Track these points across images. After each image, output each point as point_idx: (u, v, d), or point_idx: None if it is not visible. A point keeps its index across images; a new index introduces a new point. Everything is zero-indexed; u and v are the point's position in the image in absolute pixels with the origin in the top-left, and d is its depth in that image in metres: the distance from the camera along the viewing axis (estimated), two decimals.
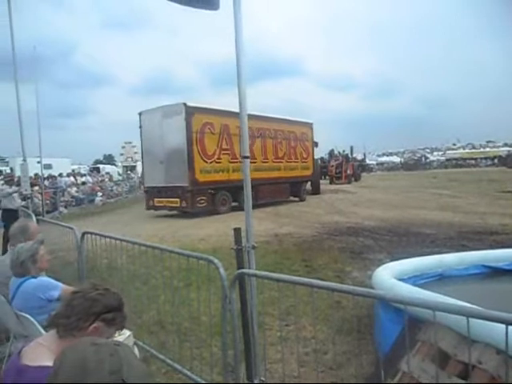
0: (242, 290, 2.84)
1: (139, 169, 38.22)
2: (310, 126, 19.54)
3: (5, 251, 5.08)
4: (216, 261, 2.92)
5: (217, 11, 2.92)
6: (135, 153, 41.39)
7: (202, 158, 13.48)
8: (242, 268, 2.80)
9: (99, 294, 1.61)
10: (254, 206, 12.25)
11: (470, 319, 1.72)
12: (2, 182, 9.99)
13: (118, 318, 1.62)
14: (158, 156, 13.76)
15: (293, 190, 18.36)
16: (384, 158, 59.80)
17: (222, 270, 2.84)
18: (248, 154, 2.95)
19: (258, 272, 2.79)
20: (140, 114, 14.33)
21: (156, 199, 14.03)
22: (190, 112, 13.14)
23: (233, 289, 2.78)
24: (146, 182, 14.83)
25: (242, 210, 11.66)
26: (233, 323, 2.80)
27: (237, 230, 2.86)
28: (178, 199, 13.28)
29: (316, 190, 20.85)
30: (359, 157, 45.08)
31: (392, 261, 4.58)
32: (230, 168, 14.50)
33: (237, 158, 14.23)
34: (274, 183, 16.67)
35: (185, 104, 13.08)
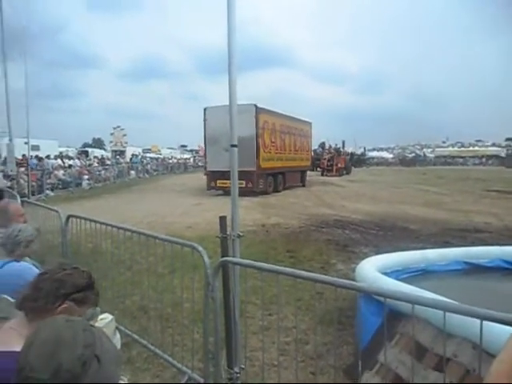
0: (225, 278, 2.85)
1: (128, 154, 38.05)
2: (310, 124, 24.15)
3: None
4: (200, 248, 2.92)
5: None
6: (124, 135, 41.18)
7: (263, 149, 16.94)
8: (226, 256, 2.80)
9: (67, 274, 1.56)
10: (283, 189, 17.05)
11: (447, 313, 1.75)
12: None
13: (89, 297, 1.59)
14: (223, 145, 15.73)
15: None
16: (374, 153, 59.97)
17: (206, 258, 2.85)
18: (236, 143, 2.93)
19: (241, 260, 2.79)
20: (205, 109, 16.97)
21: (219, 181, 16.65)
22: (258, 112, 16.34)
23: (216, 276, 2.78)
24: (208, 167, 17.36)
25: (278, 191, 15.59)
26: (215, 311, 2.81)
27: (222, 218, 2.86)
28: (243, 181, 15.48)
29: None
30: (358, 151, 46.50)
31: (376, 254, 4.63)
32: (274, 157, 18.26)
33: (278, 150, 18.63)
34: (294, 171, 20.94)
35: (255, 105, 16.18)
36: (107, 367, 0.96)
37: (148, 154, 41.50)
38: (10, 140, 8.65)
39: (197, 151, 49.58)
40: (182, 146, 54.23)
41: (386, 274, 3.73)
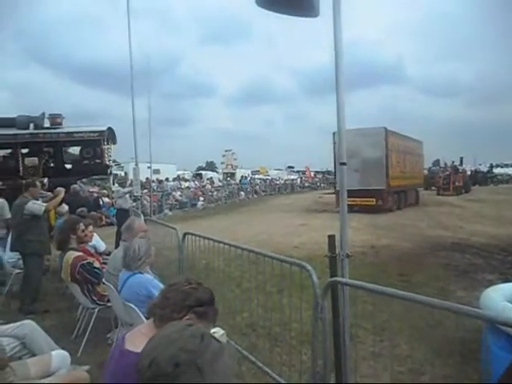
0: (334, 299, 2.78)
1: (238, 175, 39.81)
2: (421, 143, 24.56)
3: (117, 246, 5.61)
4: (309, 267, 2.90)
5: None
6: (234, 157, 43.34)
7: (391, 168, 17.84)
8: (335, 276, 2.74)
9: (192, 288, 1.71)
10: (404, 207, 17.68)
11: None
12: (117, 184, 11.08)
13: (210, 312, 1.70)
14: (353, 165, 16.34)
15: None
16: (498, 170, 53.96)
17: (314, 277, 2.82)
18: (345, 161, 2.88)
19: (351, 281, 2.70)
20: (334, 133, 16.94)
21: (348, 199, 18.01)
22: (388, 135, 17.61)
23: (325, 297, 2.73)
24: (337, 186, 17.03)
25: (400, 209, 16.53)
26: (324, 332, 2.74)
27: (331, 237, 2.82)
28: (373, 199, 17.08)
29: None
30: (482, 168, 42.94)
31: (505, 282, 4.14)
32: (400, 176, 19.15)
33: (401, 169, 19.48)
34: (411, 189, 21.50)
35: (385, 128, 17.53)
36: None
37: (256, 176, 42.85)
38: (136, 165, 9.64)
39: (303, 172, 49.91)
40: (289, 167, 55.11)
41: None
